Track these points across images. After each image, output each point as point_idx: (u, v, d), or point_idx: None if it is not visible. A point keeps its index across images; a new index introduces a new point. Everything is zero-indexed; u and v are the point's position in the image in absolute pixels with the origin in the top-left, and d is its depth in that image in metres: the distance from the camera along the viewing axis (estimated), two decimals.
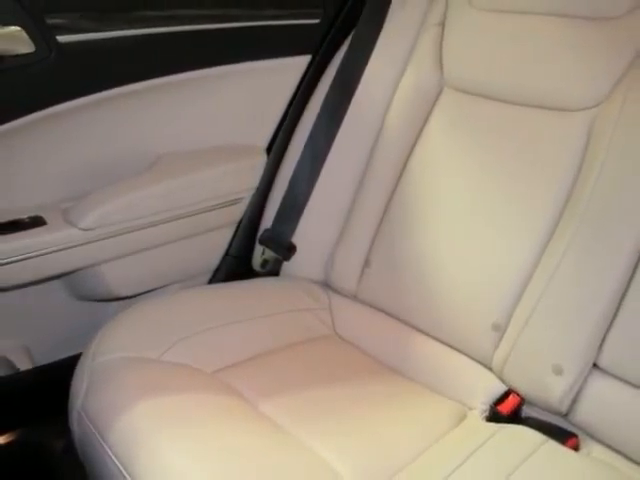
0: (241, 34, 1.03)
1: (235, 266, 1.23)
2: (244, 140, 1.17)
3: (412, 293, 0.95)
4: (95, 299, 1.12)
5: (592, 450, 0.78)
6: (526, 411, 0.84)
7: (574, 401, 0.79)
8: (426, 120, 1.00)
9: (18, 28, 0.78)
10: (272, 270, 1.16)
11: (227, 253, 1.23)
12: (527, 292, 0.84)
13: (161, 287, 1.16)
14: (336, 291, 1.07)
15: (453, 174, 0.95)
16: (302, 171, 1.11)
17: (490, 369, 0.87)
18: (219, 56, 1.03)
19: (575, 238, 0.79)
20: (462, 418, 0.83)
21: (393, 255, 0.98)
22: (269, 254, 1.15)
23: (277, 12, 1.06)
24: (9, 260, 0.90)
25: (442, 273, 0.92)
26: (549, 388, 0.79)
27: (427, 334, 0.94)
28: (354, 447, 0.74)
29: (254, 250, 1.20)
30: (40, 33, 0.80)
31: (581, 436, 0.79)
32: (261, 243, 1.16)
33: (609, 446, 0.77)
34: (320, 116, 1.10)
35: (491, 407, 0.83)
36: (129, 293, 1.11)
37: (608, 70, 0.83)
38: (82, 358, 0.85)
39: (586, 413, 0.79)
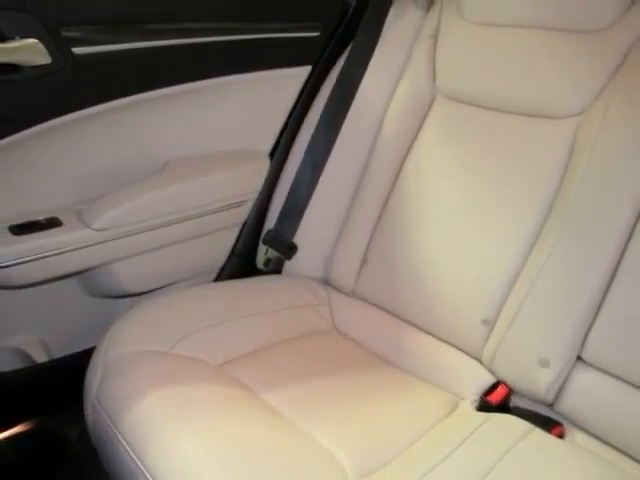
0: (246, 46, 1.03)
1: (240, 265, 1.24)
2: (248, 146, 1.18)
3: (407, 290, 0.97)
4: (107, 296, 1.13)
5: (576, 438, 0.80)
6: (514, 401, 0.86)
7: (559, 391, 0.81)
8: (420, 126, 1.02)
9: (35, 40, 0.79)
10: (275, 268, 1.18)
11: (232, 252, 1.25)
12: (515, 289, 0.85)
13: (170, 284, 1.17)
14: (335, 288, 1.08)
15: (446, 177, 0.96)
16: (303, 175, 1.13)
17: (480, 362, 0.89)
18: (226, 67, 1.04)
19: (560, 238, 0.81)
20: (454, 408, 0.84)
21: (389, 254, 1.00)
22: (272, 253, 1.17)
23: (280, 26, 1.06)
24: (27, 259, 0.92)
25: (435, 271, 0.94)
26: (536, 379, 0.81)
27: (421, 329, 0.96)
28: (352, 435, 0.75)
29: (258, 249, 1.21)
30: (56, 45, 0.81)
31: (566, 425, 0.81)
32: (264, 243, 1.17)
33: (592, 434, 0.79)
34: (320, 123, 1.12)
35: (481, 397, 0.85)
36: (140, 290, 1.12)
37: (591, 80, 0.85)
38: (96, 351, 0.87)
39: (571, 403, 0.81)
